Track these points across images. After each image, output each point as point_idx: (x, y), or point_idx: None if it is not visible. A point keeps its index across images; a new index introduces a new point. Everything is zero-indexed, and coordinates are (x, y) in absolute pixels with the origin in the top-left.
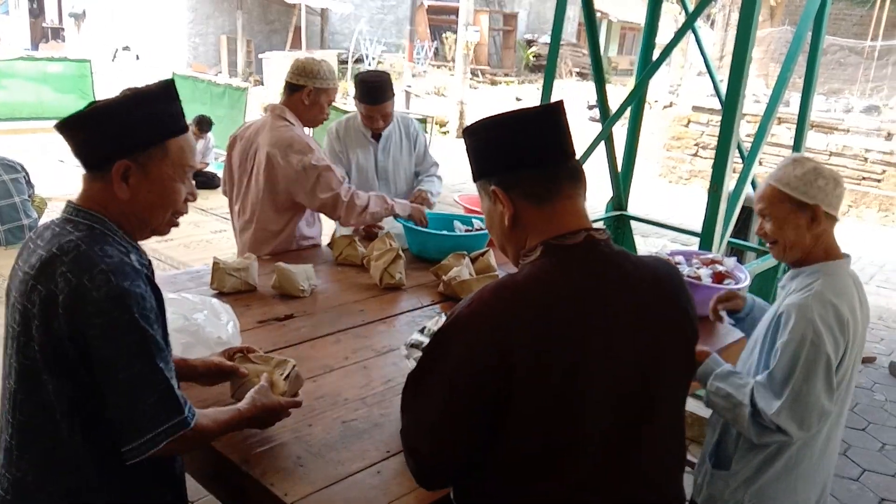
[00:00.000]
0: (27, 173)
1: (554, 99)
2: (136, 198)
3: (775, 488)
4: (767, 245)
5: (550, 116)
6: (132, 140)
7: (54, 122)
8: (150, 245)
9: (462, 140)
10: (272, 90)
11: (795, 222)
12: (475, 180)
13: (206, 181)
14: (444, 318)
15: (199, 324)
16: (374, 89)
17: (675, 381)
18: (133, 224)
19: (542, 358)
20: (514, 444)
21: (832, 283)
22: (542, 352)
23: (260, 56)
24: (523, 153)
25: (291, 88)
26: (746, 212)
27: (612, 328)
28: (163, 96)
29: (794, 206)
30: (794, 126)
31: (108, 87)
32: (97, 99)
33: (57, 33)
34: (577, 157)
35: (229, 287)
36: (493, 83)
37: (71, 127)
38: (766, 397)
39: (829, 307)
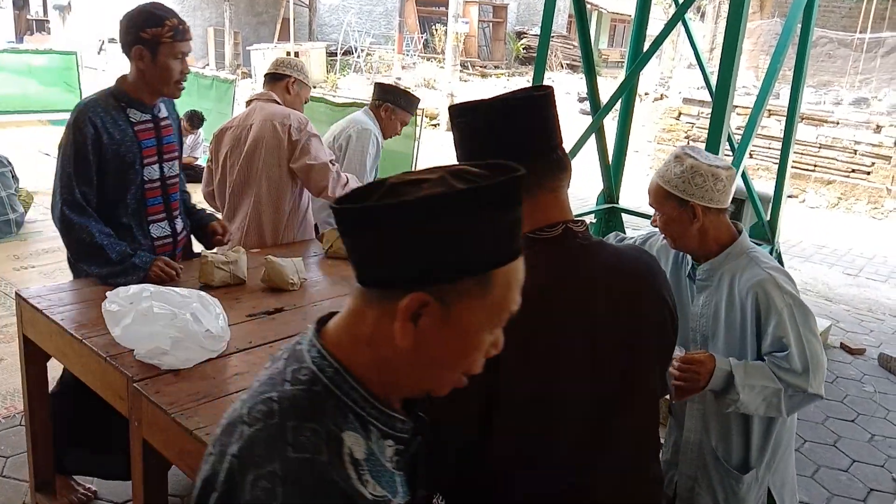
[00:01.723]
0: (13, 167)
1: None
2: (419, 349)
3: (783, 460)
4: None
5: (537, 105)
6: (447, 262)
7: (39, 115)
8: None
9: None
10: (260, 82)
11: (679, 218)
12: (458, 161)
13: (195, 175)
14: None
15: (187, 318)
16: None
17: (651, 366)
18: (390, 381)
19: (522, 347)
20: (499, 431)
21: (755, 252)
22: (521, 341)
23: (248, 48)
24: (506, 144)
25: (274, 77)
26: (737, 204)
27: (590, 317)
28: (502, 194)
29: (677, 203)
30: (784, 118)
31: (93, 80)
32: (81, 92)
33: (42, 25)
34: (565, 145)
35: (218, 280)
36: (484, 75)
37: (353, 217)
38: (793, 376)
39: (777, 270)
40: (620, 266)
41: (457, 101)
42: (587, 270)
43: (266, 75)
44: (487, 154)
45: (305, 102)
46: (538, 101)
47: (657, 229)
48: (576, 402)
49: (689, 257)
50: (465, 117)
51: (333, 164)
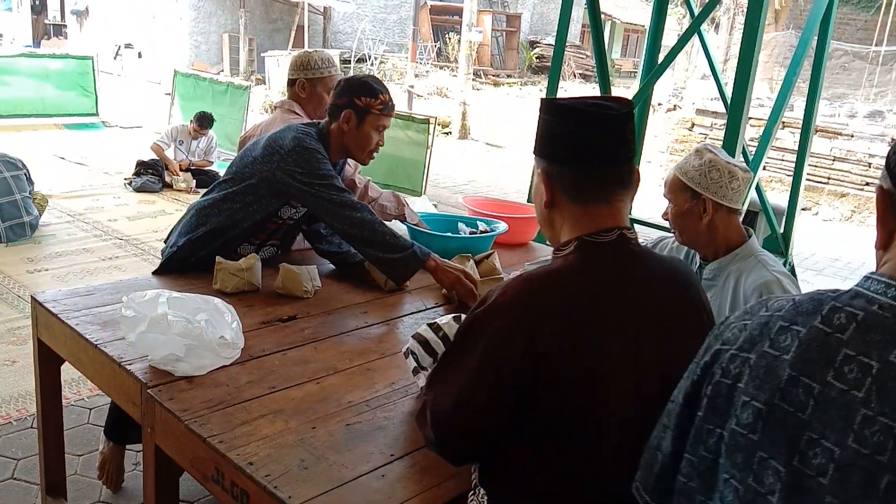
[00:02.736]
0: (28, 170)
1: None
2: None
3: None
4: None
5: (616, 123)
6: None
7: (55, 119)
8: (151, 244)
9: (465, 141)
10: (274, 89)
11: (689, 211)
12: (533, 152)
13: (209, 181)
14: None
15: (201, 325)
16: None
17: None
18: None
19: (568, 347)
20: (539, 429)
21: (764, 256)
22: (569, 341)
23: (262, 55)
24: (574, 151)
25: (289, 83)
26: (750, 216)
27: (638, 321)
28: None
29: (690, 196)
30: (799, 131)
31: (110, 85)
32: (97, 97)
33: (59, 30)
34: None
35: (232, 287)
36: (496, 84)
37: None
38: None
39: (783, 275)
40: (665, 274)
41: (469, 109)
42: (638, 276)
43: (287, 81)
44: (553, 156)
45: (328, 93)
46: (618, 119)
47: (668, 234)
48: (617, 405)
49: (697, 258)
50: (543, 113)
51: (358, 173)
